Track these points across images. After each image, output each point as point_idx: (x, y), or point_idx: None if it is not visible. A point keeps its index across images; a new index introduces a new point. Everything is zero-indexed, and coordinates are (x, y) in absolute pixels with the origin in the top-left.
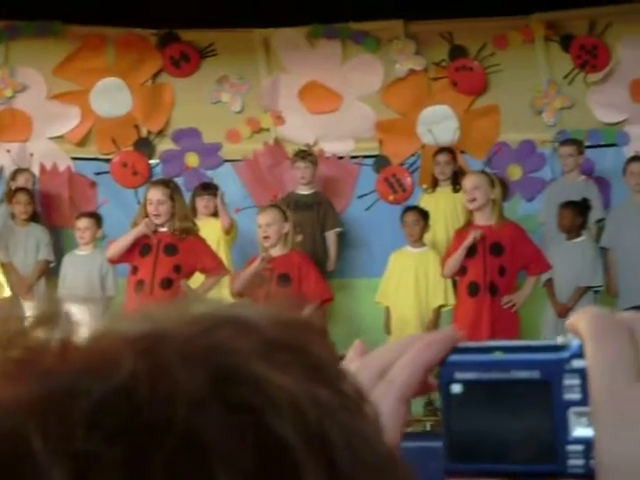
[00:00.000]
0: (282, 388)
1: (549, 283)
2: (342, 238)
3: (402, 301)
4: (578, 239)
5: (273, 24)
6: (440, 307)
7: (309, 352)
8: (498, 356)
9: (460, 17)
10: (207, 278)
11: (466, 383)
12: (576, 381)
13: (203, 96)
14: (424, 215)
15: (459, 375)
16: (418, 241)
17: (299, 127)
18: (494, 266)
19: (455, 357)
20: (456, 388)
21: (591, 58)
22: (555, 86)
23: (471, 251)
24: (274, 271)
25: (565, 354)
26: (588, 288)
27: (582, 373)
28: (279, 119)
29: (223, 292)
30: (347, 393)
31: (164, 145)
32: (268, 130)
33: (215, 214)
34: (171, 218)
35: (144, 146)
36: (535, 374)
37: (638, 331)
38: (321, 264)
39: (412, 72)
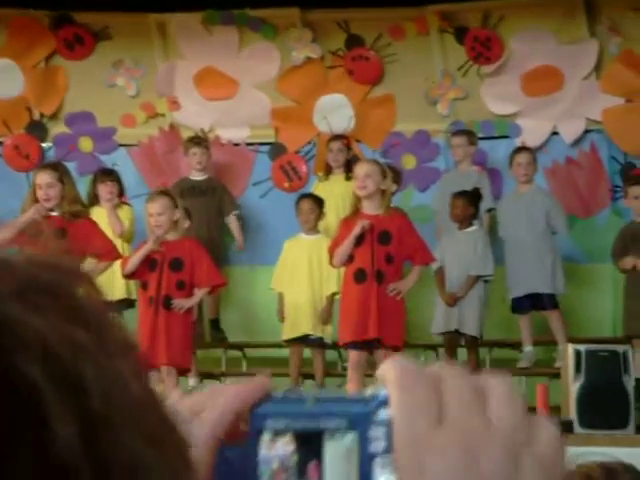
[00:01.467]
0: (33, 329)
1: (440, 272)
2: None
3: (296, 288)
4: (469, 229)
5: (169, 9)
6: (333, 294)
7: (69, 294)
8: (309, 406)
9: (356, 6)
10: (99, 263)
11: (276, 432)
12: (381, 431)
13: (97, 80)
14: (319, 202)
15: (270, 424)
16: (312, 228)
17: (195, 113)
18: (381, 254)
19: (266, 406)
20: (266, 436)
21: (484, 50)
22: (449, 77)
23: (359, 239)
24: (166, 256)
25: (372, 405)
26: (478, 277)
27: (387, 423)
28: (174, 104)
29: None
30: (109, 337)
31: (57, 128)
32: (163, 115)
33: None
34: (61, 201)
35: (36, 129)
36: (342, 424)
37: (444, 380)
38: (217, 249)
39: (308, 60)
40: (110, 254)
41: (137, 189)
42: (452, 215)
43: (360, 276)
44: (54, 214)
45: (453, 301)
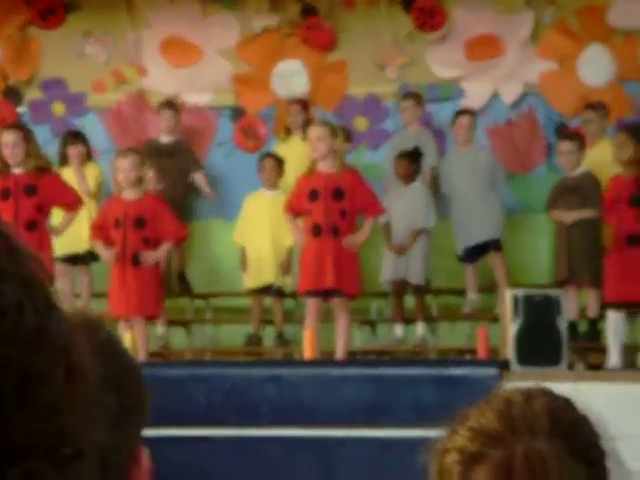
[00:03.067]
0: None
1: (387, 225)
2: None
3: (258, 241)
4: (413, 185)
5: None
6: (292, 247)
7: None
8: None
9: None
10: (67, 213)
11: None
12: None
13: (69, 48)
14: (280, 162)
15: None
16: (273, 185)
17: (161, 79)
18: (336, 210)
19: None
20: None
21: (429, 19)
22: (397, 44)
23: (314, 196)
24: (129, 214)
25: None
26: (422, 230)
27: None
28: (142, 71)
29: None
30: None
31: (32, 94)
32: (132, 82)
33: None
34: (26, 159)
35: (12, 94)
36: None
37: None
38: (183, 207)
39: (266, 29)
40: (75, 204)
41: (107, 151)
42: (396, 173)
43: (317, 230)
44: (18, 171)
45: (400, 251)
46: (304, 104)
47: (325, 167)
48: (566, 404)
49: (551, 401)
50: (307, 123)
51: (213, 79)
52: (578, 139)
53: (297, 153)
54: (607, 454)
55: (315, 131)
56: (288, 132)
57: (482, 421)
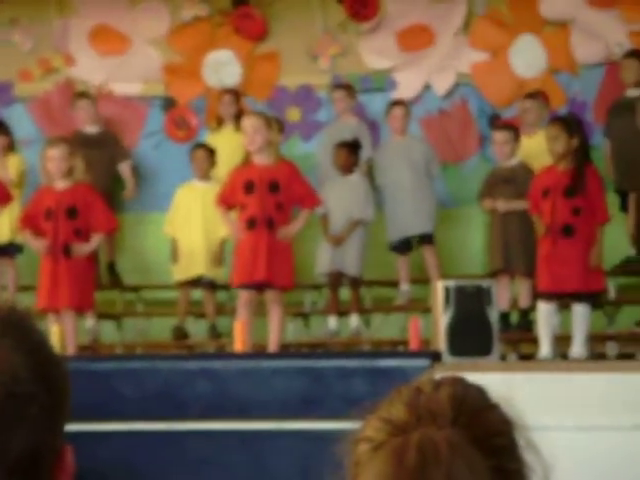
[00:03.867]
0: None
1: (324, 217)
2: (132, 174)
3: (189, 232)
4: (351, 176)
5: None
6: (224, 238)
7: None
8: None
9: None
10: None
11: None
12: None
13: None
14: (211, 152)
15: None
16: (205, 176)
17: (89, 68)
18: (271, 202)
19: None
20: None
21: (362, 8)
22: (330, 34)
23: (250, 188)
24: (61, 204)
25: None
26: (359, 221)
27: None
28: (70, 60)
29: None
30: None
31: None
32: (59, 71)
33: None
34: None
35: None
36: None
37: None
38: (111, 198)
39: (197, 18)
40: (2, 199)
41: (35, 141)
42: (335, 164)
43: (251, 223)
44: None
45: (337, 242)
46: (236, 94)
47: (260, 159)
48: (476, 393)
49: (459, 390)
50: (239, 113)
51: (143, 69)
52: (512, 129)
53: (229, 144)
54: (518, 444)
55: (251, 122)
56: (219, 122)
57: (391, 411)
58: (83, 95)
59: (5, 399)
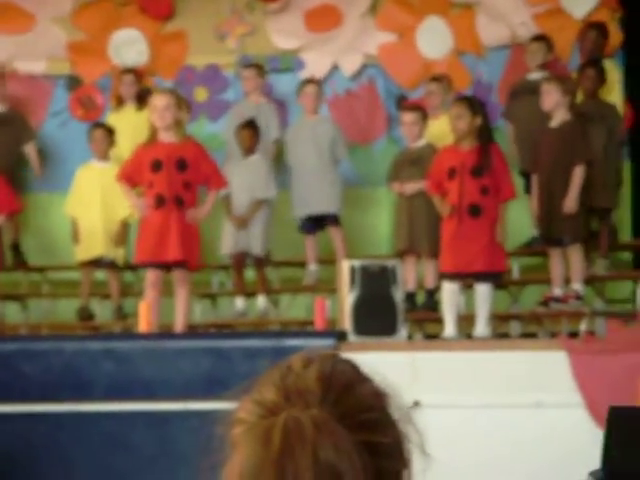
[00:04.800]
0: None
1: (227, 199)
2: (37, 154)
3: (89, 213)
4: (252, 156)
5: None
6: (126, 218)
7: None
8: None
9: None
10: None
11: None
12: None
13: None
14: (110, 132)
15: None
16: (104, 156)
17: None
18: (179, 180)
19: None
20: None
21: None
22: (237, 14)
23: (157, 166)
24: None
25: None
26: (263, 200)
27: None
28: None
29: None
30: None
31: None
32: None
33: None
34: None
35: None
36: None
37: None
38: (16, 178)
39: None
40: None
41: None
42: (239, 144)
43: (159, 201)
44: None
45: (241, 224)
46: (137, 74)
47: (167, 137)
48: (346, 368)
49: (328, 367)
50: (141, 93)
51: (47, 47)
52: (419, 110)
53: (130, 124)
54: (391, 418)
55: (163, 100)
56: (120, 102)
57: (262, 392)
58: None
59: None
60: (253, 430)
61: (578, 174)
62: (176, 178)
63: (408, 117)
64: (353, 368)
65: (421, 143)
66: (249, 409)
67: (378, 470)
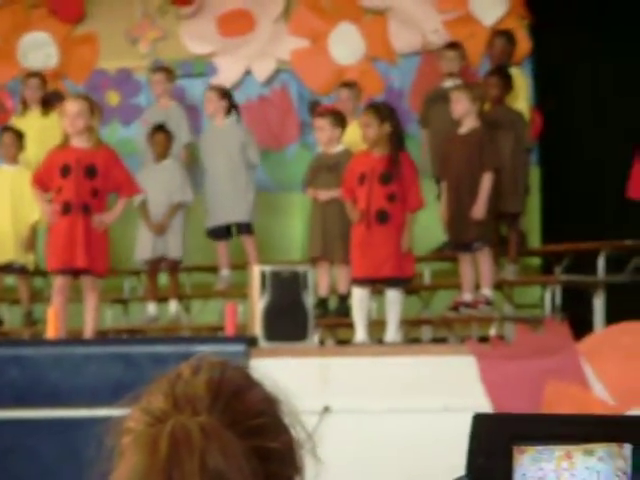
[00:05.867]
0: None
1: (143, 205)
2: None
3: None
4: (166, 161)
5: None
6: (35, 223)
7: None
8: None
9: None
10: None
11: None
12: None
13: None
14: (19, 136)
15: None
16: (13, 160)
17: None
18: (87, 187)
19: None
20: None
21: None
22: (149, 18)
23: (66, 172)
24: None
25: None
26: (179, 205)
27: None
28: None
29: None
30: None
31: None
32: None
33: None
34: None
35: None
36: None
37: None
38: None
39: (10, 0)
40: None
41: None
42: (152, 149)
43: (66, 208)
44: None
45: (159, 229)
46: (43, 77)
47: (79, 143)
48: (235, 374)
49: (216, 373)
50: (48, 97)
51: None
52: (333, 115)
53: (34, 128)
54: (282, 423)
55: (75, 106)
56: (25, 106)
57: (150, 400)
58: None
59: None
60: (140, 438)
61: (486, 181)
62: (84, 185)
63: (321, 122)
64: (243, 374)
65: (338, 149)
66: (137, 418)
67: (268, 476)
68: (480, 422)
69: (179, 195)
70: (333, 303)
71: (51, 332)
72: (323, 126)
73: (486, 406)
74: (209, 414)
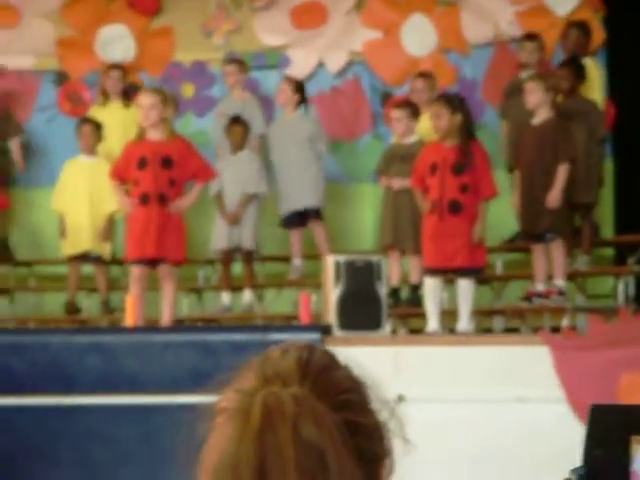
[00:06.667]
0: None
1: (219, 195)
2: (24, 149)
3: (76, 208)
4: (242, 152)
5: None
6: (113, 214)
7: None
8: None
9: None
10: None
11: None
12: None
13: None
14: (98, 127)
15: None
16: (92, 151)
17: None
18: (164, 178)
19: None
20: None
21: None
22: (224, 10)
23: (143, 164)
24: None
25: None
26: (253, 196)
27: None
28: None
29: None
30: None
31: None
32: None
33: None
34: None
35: None
36: None
37: None
38: (3, 173)
39: None
40: None
41: None
42: (229, 140)
43: (144, 199)
44: None
45: (234, 220)
46: (123, 70)
47: (155, 135)
48: (323, 355)
49: (305, 353)
50: (128, 89)
51: (35, 42)
52: (409, 106)
53: (115, 119)
54: (369, 402)
55: (147, 99)
56: (106, 97)
57: (241, 380)
58: None
59: None
60: (233, 413)
61: (562, 172)
62: (161, 176)
63: (398, 113)
64: (330, 355)
65: (412, 139)
66: (229, 397)
67: (359, 450)
68: (598, 413)
69: (253, 186)
70: (405, 293)
71: (129, 320)
72: (400, 117)
73: (560, 397)
74: (299, 386)
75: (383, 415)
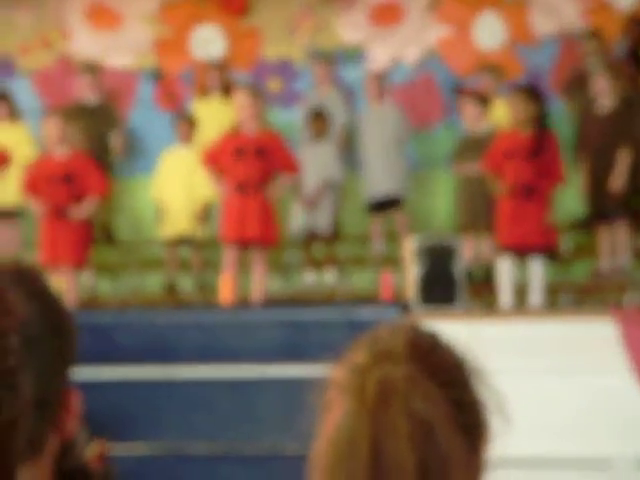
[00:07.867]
0: None
1: (298, 181)
2: (125, 141)
3: (173, 193)
4: (322, 141)
5: None
6: (208, 200)
7: None
8: None
9: None
10: None
11: None
12: None
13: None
14: (193, 121)
15: None
16: (189, 141)
17: (85, 43)
18: (257, 167)
19: None
20: None
21: None
22: (308, 9)
23: (239, 154)
24: (58, 171)
25: None
26: (331, 183)
27: None
28: (67, 36)
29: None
30: None
31: None
32: (58, 46)
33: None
34: None
35: None
36: None
37: None
38: (106, 162)
39: None
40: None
41: (34, 112)
42: (311, 130)
43: (240, 187)
44: None
45: (311, 205)
46: (221, 69)
47: (249, 128)
48: (429, 335)
49: (413, 333)
50: (225, 85)
51: (135, 43)
52: (479, 97)
53: (214, 113)
54: (472, 380)
55: (242, 97)
56: (205, 92)
57: (353, 357)
58: (88, 68)
59: (18, 342)
60: (348, 388)
61: (625, 156)
62: (255, 165)
63: (467, 103)
64: (435, 335)
65: (484, 127)
66: (342, 373)
67: (463, 424)
68: None
69: (330, 173)
70: (478, 272)
71: (225, 297)
72: (469, 106)
73: (629, 371)
74: (408, 365)
75: (482, 390)
